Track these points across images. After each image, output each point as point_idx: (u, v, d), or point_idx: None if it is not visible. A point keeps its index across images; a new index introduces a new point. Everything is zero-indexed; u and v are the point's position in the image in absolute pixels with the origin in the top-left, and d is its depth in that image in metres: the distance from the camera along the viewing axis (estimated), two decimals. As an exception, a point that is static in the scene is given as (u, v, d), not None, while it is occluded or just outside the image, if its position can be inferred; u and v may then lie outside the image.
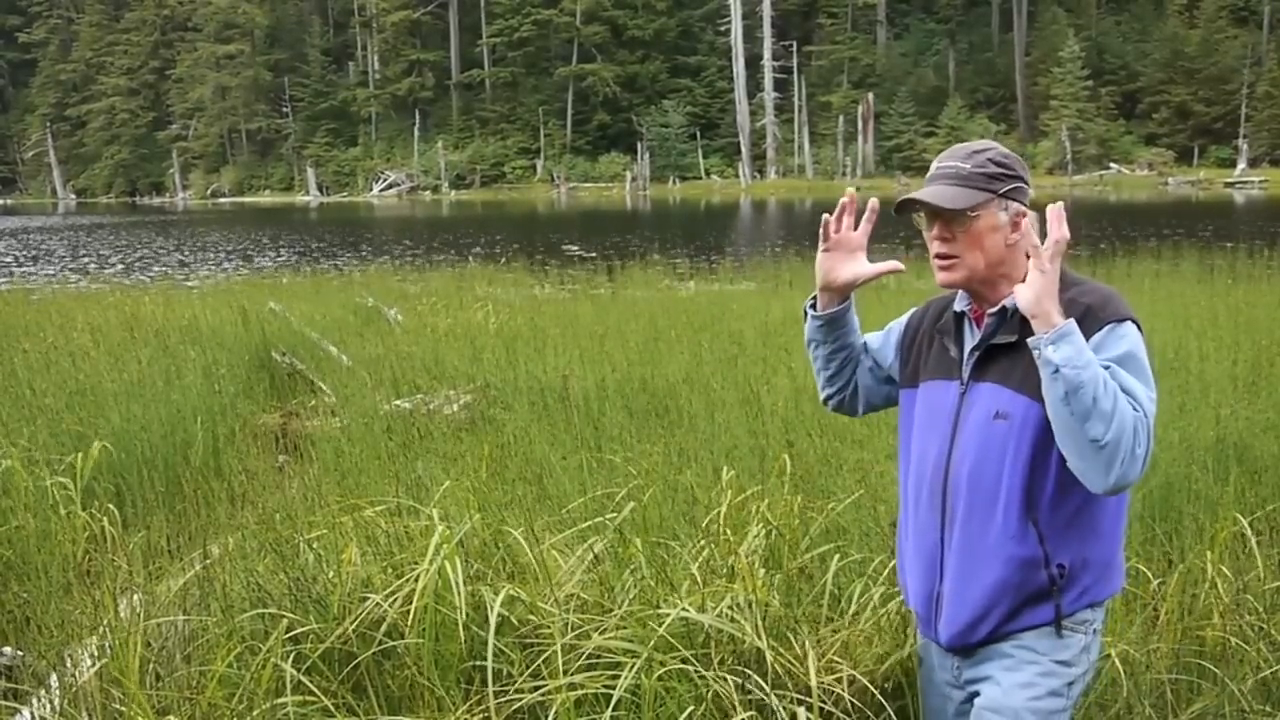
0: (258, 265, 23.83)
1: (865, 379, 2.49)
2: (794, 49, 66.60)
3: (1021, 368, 2.10)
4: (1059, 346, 1.96)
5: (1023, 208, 2.17)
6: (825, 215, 2.36)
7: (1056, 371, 1.95)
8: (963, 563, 2.19)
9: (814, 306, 2.42)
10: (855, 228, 2.37)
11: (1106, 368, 2.00)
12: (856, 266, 2.36)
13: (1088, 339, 2.02)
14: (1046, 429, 2.05)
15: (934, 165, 2.23)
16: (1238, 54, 58.26)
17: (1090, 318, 2.07)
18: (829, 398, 2.54)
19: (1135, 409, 1.97)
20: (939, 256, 2.19)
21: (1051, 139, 58.91)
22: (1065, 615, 2.15)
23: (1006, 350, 2.15)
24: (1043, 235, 2.07)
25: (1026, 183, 2.20)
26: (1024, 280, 2.08)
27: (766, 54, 66.70)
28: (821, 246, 2.36)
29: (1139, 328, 2.09)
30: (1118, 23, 65.64)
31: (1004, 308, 2.17)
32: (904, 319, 2.45)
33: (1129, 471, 1.95)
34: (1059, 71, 58.76)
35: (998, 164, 2.17)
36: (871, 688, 2.66)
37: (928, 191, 2.17)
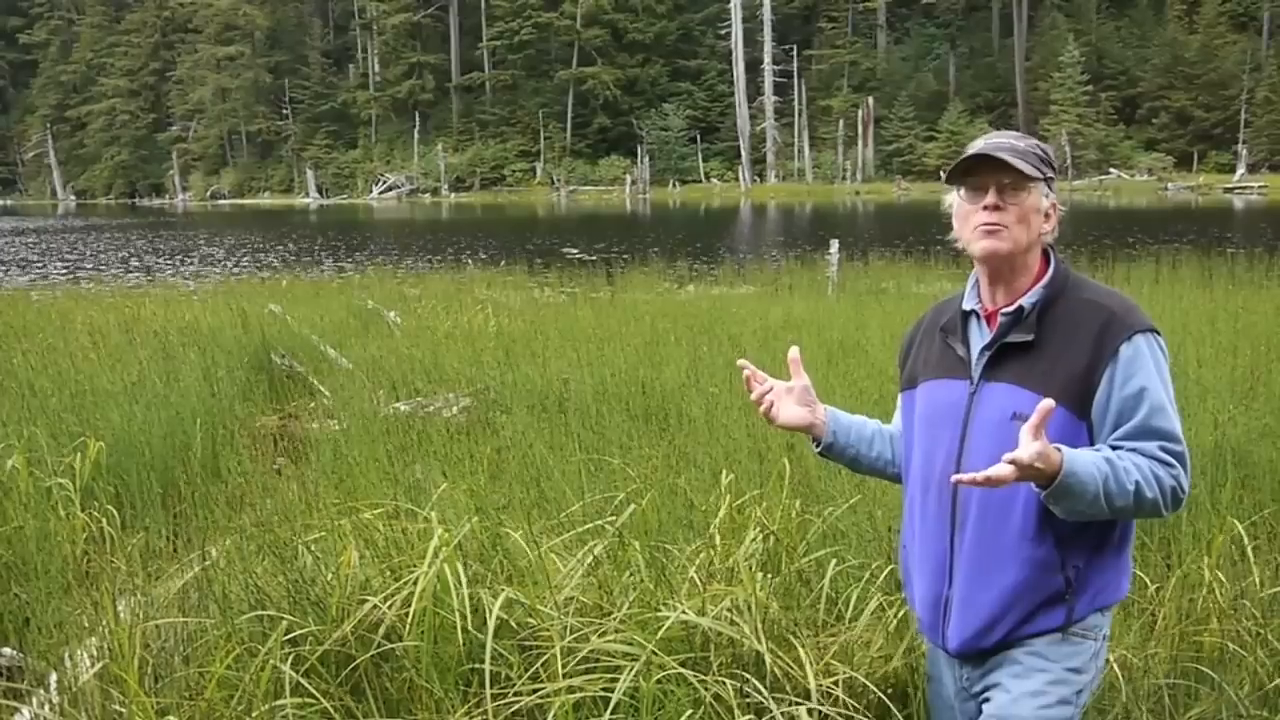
0: (257, 267, 23.82)
1: None
2: (794, 53, 66.72)
3: (1040, 368, 2.07)
4: (1057, 506, 1.98)
5: (1056, 200, 2.19)
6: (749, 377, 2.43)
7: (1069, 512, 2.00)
8: (975, 566, 2.13)
9: (815, 442, 2.43)
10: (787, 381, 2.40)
11: (1131, 424, 2.05)
12: (791, 411, 2.38)
13: (1112, 348, 2.04)
14: (1065, 432, 2.02)
15: (981, 142, 2.16)
16: (1237, 60, 58.41)
17: (1116, 324, 2.05)
18: (898, 480, 2.49)
19: (1168, 463, 2.04)
20: (988, 224, 2.11)
21: (1051, 144, 58.97)
22: (1076, 620, 2.10)
23: (1022, 350, 2.09)
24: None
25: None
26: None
27: (767, 58, 66.79)
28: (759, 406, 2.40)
29: (1158, 335, 2.10)
30: (1117, 28, 65.78)
31: (1021, 307, 2.12)
32: (901, 348, 2.44)
33: (1176, 509, 2.06)
34: (1059, 76, 58.90)
35: (1044, 150, 2.17)
36: (871, 685, 2.66)
37: (1003, 153, 2.10)
